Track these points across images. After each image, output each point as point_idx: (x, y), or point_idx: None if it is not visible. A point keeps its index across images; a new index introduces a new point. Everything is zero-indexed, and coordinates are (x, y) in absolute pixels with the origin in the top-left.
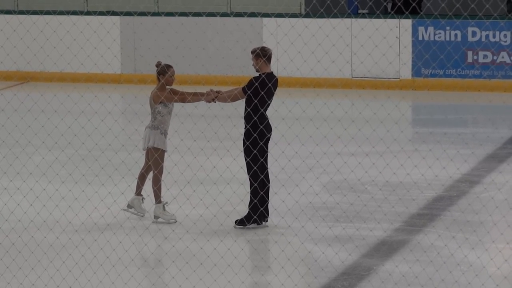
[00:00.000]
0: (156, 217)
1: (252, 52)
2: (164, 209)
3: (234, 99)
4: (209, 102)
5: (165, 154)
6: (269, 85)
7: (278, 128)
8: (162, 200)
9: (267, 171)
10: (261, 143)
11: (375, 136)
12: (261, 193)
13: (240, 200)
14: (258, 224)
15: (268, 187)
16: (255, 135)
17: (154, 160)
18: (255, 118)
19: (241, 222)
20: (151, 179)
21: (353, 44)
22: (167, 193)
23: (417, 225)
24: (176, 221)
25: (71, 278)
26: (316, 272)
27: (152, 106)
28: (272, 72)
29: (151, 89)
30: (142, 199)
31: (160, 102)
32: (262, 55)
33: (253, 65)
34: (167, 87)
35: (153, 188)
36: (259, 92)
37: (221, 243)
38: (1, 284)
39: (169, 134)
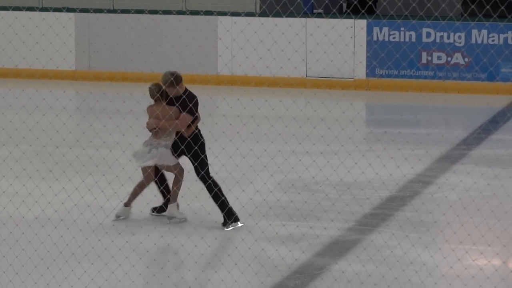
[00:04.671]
0: (170, 217)
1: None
2: (178, 209)
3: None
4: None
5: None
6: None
7: (233, 125)
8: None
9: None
10: (193, 148)
11: (330, 134)
12: (215, 189)
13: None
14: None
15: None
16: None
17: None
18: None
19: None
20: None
21: (308, 43)
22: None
23: (370, 224)
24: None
25: (24, 273)
26: (270, 269)
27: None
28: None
29: (106, 85)
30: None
31: None
32: (176, 82)
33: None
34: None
35: (172, 188)
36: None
37: (174, 239)
38: None
39: (127, 131)
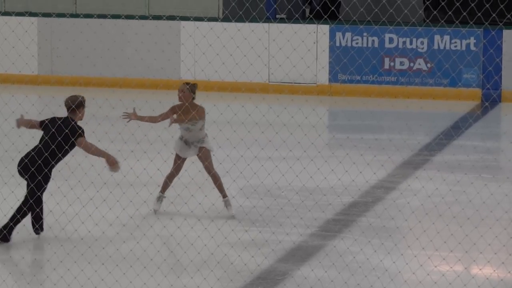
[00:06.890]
0: None
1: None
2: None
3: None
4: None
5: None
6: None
7: None
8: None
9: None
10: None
11: (293, 140)
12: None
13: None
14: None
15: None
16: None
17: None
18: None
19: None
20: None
21: (271, 48)
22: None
23: (333, 230)
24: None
25: None
26: (232, 275)
27: None
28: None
29: (68, 90)
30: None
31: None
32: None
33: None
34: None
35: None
36: None
37: (137, 245)
38: None
39: (89, 136)
